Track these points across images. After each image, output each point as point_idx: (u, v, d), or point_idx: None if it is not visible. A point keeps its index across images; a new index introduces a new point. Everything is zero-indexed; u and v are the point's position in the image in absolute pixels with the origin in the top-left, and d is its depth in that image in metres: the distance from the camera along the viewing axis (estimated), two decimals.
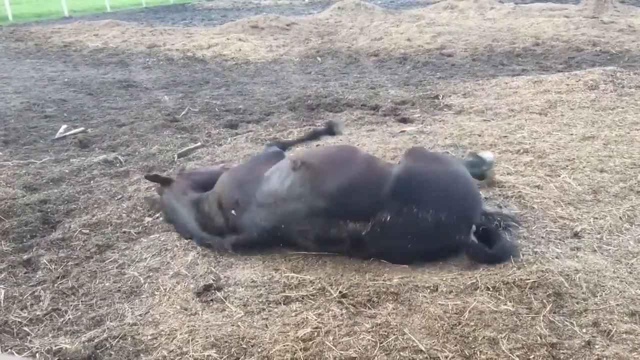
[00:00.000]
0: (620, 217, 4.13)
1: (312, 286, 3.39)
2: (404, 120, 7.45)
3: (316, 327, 2.98)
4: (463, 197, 3.72)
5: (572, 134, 6.12)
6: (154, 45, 15.54)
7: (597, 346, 2.76)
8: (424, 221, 3.48)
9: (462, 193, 3.74)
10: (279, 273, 3.57)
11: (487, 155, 4.78)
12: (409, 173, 3.69)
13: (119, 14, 27.60)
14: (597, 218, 4.14)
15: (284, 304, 3.26)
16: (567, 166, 5.14)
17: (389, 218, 3.47)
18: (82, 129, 7.39)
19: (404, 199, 3.51)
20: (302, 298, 3.30)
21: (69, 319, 3.26)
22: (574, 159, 5.30)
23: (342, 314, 3.10)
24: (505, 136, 6.19)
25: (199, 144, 6.61)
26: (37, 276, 3.72)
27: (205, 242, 4.01)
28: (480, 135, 6.28)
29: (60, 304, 3.41)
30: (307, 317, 3.08)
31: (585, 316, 2.99)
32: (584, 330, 2.88)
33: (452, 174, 3.84)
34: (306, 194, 3.59)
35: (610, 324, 2.92)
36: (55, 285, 3.61)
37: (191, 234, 4.13)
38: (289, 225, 3.68)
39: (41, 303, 3.42)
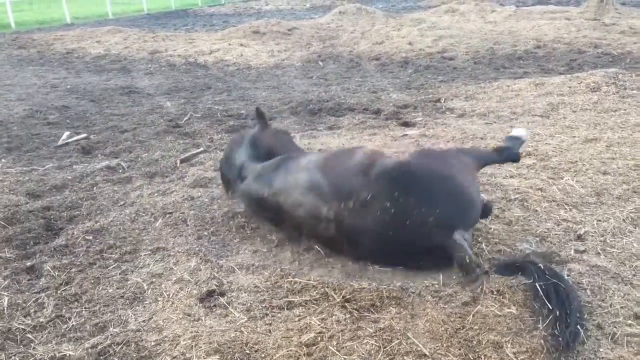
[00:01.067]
0: (623, 220, 4.12)
1: (315, 291, 3.39)
2: (406, 124, 7.45)
3: (320, 332, 2.98)
4: (448, 199, 3.50)
5: (574, 137, 6.12)
6: (156, 51, 15.59)
7: (601, 349, 2.75)
8: (399, 213, 3.43)
9: (448, 194, 3.52)
10: (282, 278, 3.57)
11: (521, 132, 4.57)
12: (398, 164, 3.70)
13: (121, 21, 27.68)
14: (600, 220, 4.13)
15: (287, 309, 3.26)
16: (570, 169, 5.14)
17: (363, 200, 3.53)
18: (84, 135, 7.40)
19: (385, 186, 3.54)
20: (306, 303, 3.29)
21: (73, 325, 3.26)
22: (576, 161, 5.29)
23: (345, 319, 3.09)
24: None
25: (201, 149, 6.62)
26: (41, 283, 3.72)
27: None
28: (482, 139, 6.29)
29: (64, 310, 3.41)
30: (310, 322, 3.07)
31: (590, 319, 2.98)
32: (589, 334, 2.86)
33: (446, 176, 3.63)
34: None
35: (615, 327, 2.91)
36: (59, 292, 3.60)
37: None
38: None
39: (45, 310, 3.42)
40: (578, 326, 2.81)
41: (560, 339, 2.73)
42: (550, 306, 2.93)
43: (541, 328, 2.85)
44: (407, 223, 3.41)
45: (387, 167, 3.68)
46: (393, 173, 3.62)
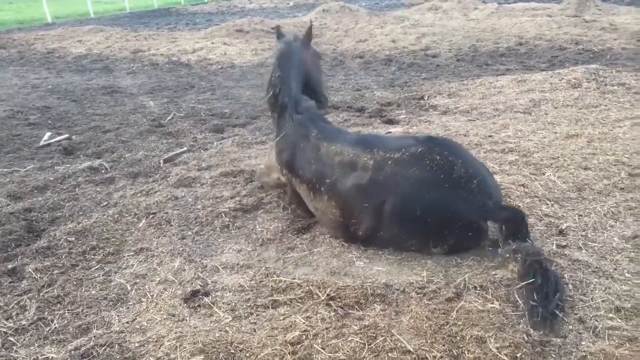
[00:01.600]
0: (604, 214, 4.17)
1: (300, 289, 3.39)
2: (390, 122, 7.47)
3: (304, 331, 2.98)
4: (488, 174, 3.85)
5: (556, 133, 6.18)
6: (139, 51, 15.45)
7: (583, 342, 2.78)
8: (446, 166, 3.60)
9: (487, 171, 3.92)
10: (267, 277, 3.57)
11: None
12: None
13: (102, 20, 27.42)
14: (581, 215, 4.18)
15: (272, 308, 3.26)
16: (551, 164, 5.19)
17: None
18: (66, 136, 7.32)
19: (435, 145, 3.75)
20: (290, 301, 3.29)
21: (55, 327, 3.23)
22: (558, 157, 5.35)
23: (330, 317, 3.10)
24: (490, 135, 6.23)
25: (184, 148, 6.58)
26: (23, 285, 3.68)
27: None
28: (465, 135, 6.32)
29: (46, 312, 3.38)
30: (295, 321, 3.07)
31: (571, 313, 3.01)
32: (570, 327, 2.90)
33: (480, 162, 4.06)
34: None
35: (596, 320, 2.94)
36: (41, 294, 3.57)
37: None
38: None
39: (27, 312, 3.38)
40: (556, 310, 2.91)
41: (540, 310, 2.88)
42: (538, 280, 3.03)
43: (528, 304, 2.96)
44: (452, 176, 3.57)
45: (438, 137, 4.08)
46: (443, 139, 3.99)
